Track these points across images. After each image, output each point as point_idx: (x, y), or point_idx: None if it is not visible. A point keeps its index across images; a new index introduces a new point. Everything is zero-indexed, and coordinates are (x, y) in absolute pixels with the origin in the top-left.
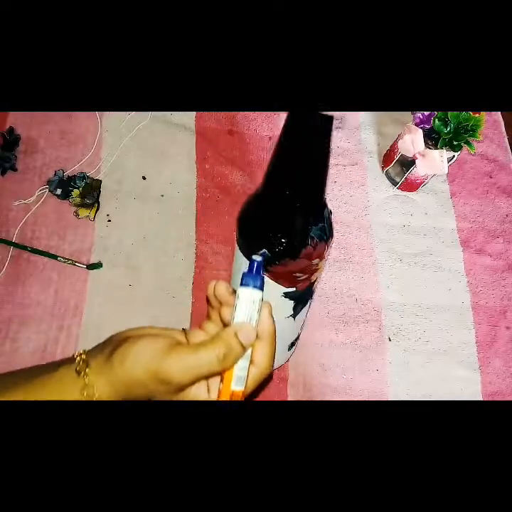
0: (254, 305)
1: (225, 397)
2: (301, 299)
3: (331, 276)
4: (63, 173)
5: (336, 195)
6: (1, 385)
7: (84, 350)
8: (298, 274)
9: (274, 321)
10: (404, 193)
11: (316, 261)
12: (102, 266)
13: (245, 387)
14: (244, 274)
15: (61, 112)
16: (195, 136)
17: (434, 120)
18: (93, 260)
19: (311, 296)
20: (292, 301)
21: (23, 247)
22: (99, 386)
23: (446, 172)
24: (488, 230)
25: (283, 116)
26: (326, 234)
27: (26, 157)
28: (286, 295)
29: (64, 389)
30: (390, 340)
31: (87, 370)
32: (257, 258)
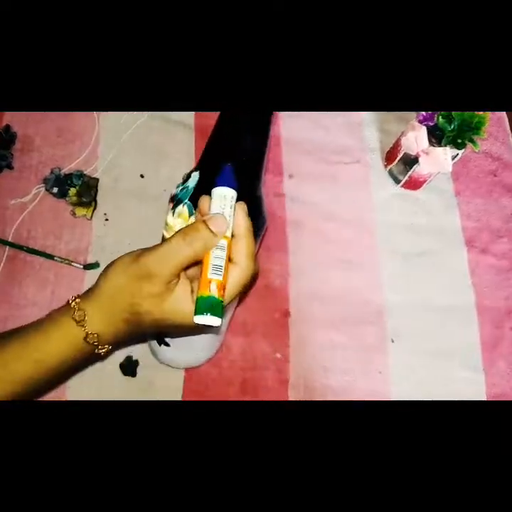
0: (226, 200)
1: (205, 288)
2: None
3: (333, 276)
4: (60, 171)
5: (338, 193)
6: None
7: (78, 296)
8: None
9: (250, 220)
10: (408, 191)
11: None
12: (99, 266)
13: (223, 278)
14: (216, 179)
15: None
16: (194, 134)
17: (437, 117)
18: (90, 260)
19: None
20: None
21: (19, 247)
22: (100, 329)
23: (450, 170)
24: (493, 230)
25: (282, 114)
26: (175, 194)
27: (22, 155)
28: None
29: (63, 340)
30: (392, 341)
31: (84, 318)
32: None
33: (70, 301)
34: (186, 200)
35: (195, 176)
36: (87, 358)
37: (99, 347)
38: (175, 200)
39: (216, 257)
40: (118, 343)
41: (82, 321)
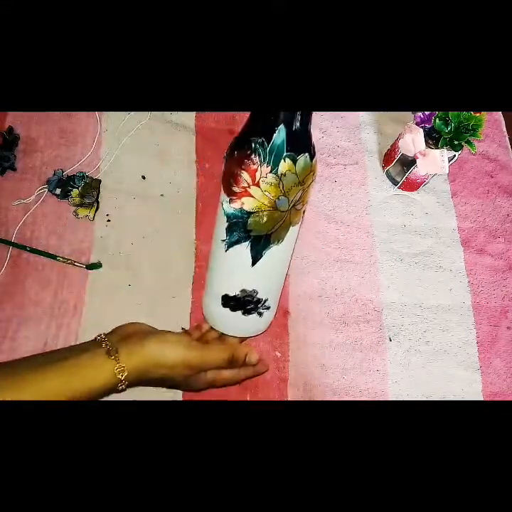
0: None
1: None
2: (233, 226)
3: (331, 276)
4: (62, 172)
5: (336, 194)
6: (27, 367)
7: (104, 334)
8: (230, 180)
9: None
10: (405, 192)
11: (243, 174)
12: (101, 266)
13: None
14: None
15: (60, 112)
16: (195, 136)
17: (434, 119)
18: (92, 260)
19: (249, 241)
20: (226, 221)
21: (22, 247)
22: (129, 366)
23: (447, 172)
24: (489, 230)
25: None
26: (265, 158)
27: (25, 156)
28: (224, 213)
29: (96, 371)
30: (390, 340)
31: (117, 353)
32: None
33: (98, 337)
34: (286, 153)
35: (282, 131)
36: (106, 393)
37: (122, 382)
38: (264, 159)
39: None
40: (137, 383)
41: (115, 356)
